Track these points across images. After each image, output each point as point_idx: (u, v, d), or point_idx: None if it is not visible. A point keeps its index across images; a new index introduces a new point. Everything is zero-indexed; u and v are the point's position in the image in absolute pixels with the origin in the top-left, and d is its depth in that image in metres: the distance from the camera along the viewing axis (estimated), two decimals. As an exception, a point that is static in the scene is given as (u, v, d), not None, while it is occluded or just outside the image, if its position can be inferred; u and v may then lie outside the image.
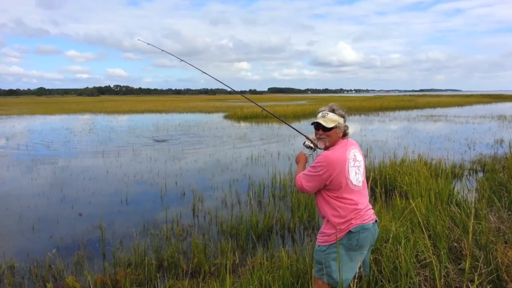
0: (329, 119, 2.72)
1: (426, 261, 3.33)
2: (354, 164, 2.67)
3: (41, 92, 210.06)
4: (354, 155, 2.70)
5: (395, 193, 5.50)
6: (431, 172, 6.76)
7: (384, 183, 6.88)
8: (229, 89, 4.37)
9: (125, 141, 16.00)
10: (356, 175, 2.67)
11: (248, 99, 3.99)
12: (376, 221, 2.77)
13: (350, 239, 2.60)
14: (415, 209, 4.14)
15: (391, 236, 3.61)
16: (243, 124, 23.80)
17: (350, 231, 2.59)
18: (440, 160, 8.48)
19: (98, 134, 18.68)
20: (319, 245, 2.71)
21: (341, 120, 2.74)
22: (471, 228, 3.08)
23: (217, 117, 29.96)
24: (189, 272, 4.27)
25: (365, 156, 3.45)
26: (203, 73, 4.46)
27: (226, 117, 29.82)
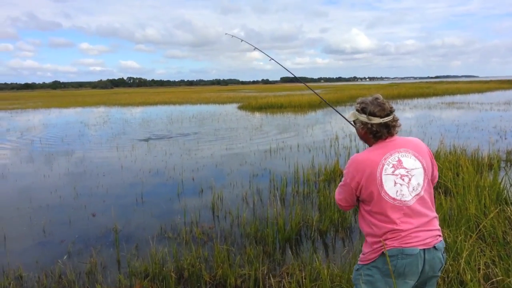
0: (351, 113, 2.25)
1: (497, 278, 2.80)
2: (394, 172, 2.06)
3: (56, 85, 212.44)
4: (399, 161, 2.08)
5: (438, 191, 4.94)
6: (473, 166, 6.16)
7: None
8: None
9: (139, 134, 15.65)
10: (399, 186, 2.05)
11: (309, 87, 3.48)
12: (435, 246, 2.05)
13: (386, 263, 2.02)
14: (468, 211, 3.61)
15: (453, 249, 3.08)
16: (258, 115, 23.26)
17: (383, 253, 2.03)
18: (477, 151, 7.86)
19: (112, 127, 18.40)
20: (357, 263, 2.23)
21: (360, 115, 2.17)
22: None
23: (231, 108, 29.47)
24: (214, 284, 3.82)
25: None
26: (271, 60, 3.97)
27: (240, 107, 29.30)
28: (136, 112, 29.01)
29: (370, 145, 2.21)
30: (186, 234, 5.10)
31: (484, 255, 3.02)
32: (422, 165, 2.10)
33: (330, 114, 22.02)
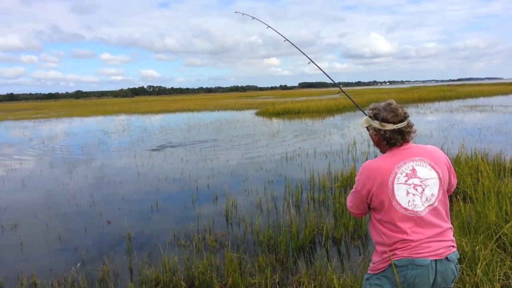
0: (364, 119, 2.18)
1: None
2: (407, 181, 1.98)
3: (78, 95, 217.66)
4: (413, 170, 2.00)
5: (456, 197, 4.77)
6: (494, 171, 5.93)
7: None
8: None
9: (157, 142, 15.81)
10: (412, 196, 1.98)
11: (343, 92, 3.40)
12: (447, 257, 1.97)
13: (396, 273, 1.97)
14: (488, 218, 3.45)
15: (467, 256, 2.95)
16: (275, 121, 23.20)
17: (393, 263, 1.97)
18: (499, 155, 7.60)
19: (131, 135, 18.65)
20: (367, 273, 2.17)
21: (373, 121, 2.10)
22: None
23: (249, 114, 29.51)
24: (223, 293, 3.77)
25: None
26: (310, 62, 3.89)
27: (257, 113, 29.31)
28: (155, 119, 29.37)
29: (383, 152, 2.15)
30: (199, 241, 5.07)
31: (504, 264, 2.87)
32: (438, 175, 2.01)
33: (348, 119, 21.79)
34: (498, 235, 3.19)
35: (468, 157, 7.16)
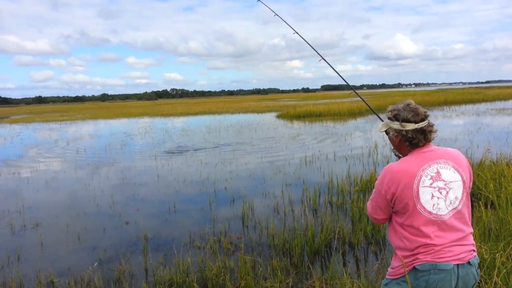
0: (383, 123, 2.15)
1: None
2: (432, 184, 1.94)
3: (104, 98, 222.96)
4: (437, 172, 1.96)
5: (478, 203, 4.61)
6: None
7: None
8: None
9: (177, 144, 15.97)
10: (436, 200, 1.94)
11: (358, 95, 3.38)
12: (469, 262, 1.94)
13: (418, 278, 1.92)
14: (510, 225, 3.31)
15: (486, 263, 2.83)
16: (296, 124, 23.09)
17: (415, 267, 1.93)
18: (526, 160, 7.31)
19: (153, 137, 18.92)
20: (385, 278, 2.12)
21: (393, 122, 2.06)
22: None
23: (269, 117, 29.48)
24: (236, 296, 3.75)
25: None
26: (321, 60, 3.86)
27: (278, 116, 29.26)
28: (177, 122, 29.72)
29: (404, 155, 2.10)
30: (214, 243, 5.07)
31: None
32: (462, 178, 1.98)
33: (371, 122, 21.46)
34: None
35: (493, 162, 6.92)
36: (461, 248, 1.93)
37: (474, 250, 1.98)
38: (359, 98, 3.35)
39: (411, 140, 2.01)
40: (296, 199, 6.95)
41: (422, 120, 2.01)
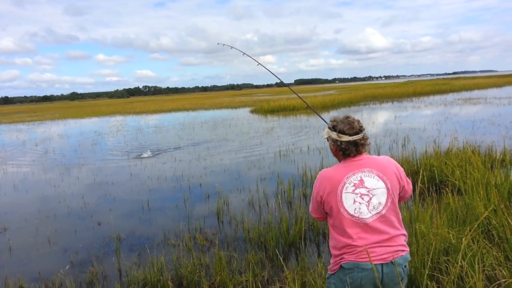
0: (326, 131, 2.32)
1: (501, 281, 2.64)
2: (355, 190, 2.14)
3: (73, 96, 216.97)
4: (361, 180, 2.14)
5: (445, 189, 4.75)
6: (484, 163, 5.92)
7: (429, 177, 6.07)
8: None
9: (150, 141, 15.75)
10: (358, 205, 2.13)
11: (294, 92, 3.49)
12: (392, 261, 2.08)
13: (345, 275, 2.14)
14: (476, 210, 3.43)
15: (453, 248, 2.92)
16: (270, 118, 23.17)
17: (341, 266, 2.15)
18: (490, 147, 7.59)
19: (125, 136, 18.57)
20: (328, 273, 2.34)
21: (332, 132, 2.24)
22: None
23: (244, 112, 29.46)
24: (211, 292, 3.73)
25: (389, 155, 2.42)
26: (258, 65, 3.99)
27: (252, 111, 29.27)
28: (150, 119, 29.27)
29: (339, 161, 2.29)
30: (189, 240, 5.03)
31: (490, 256, 2.85)
32: (386, 185, 2.16)
33: (343, 114, 21.75)
34: (476, 225, 3.16)
35: (459, 150, 7.15)
36: (384, 249, 2.11)
37: (402, 250, 2.16)
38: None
39: (344, 150, 2.20)
40: (271, 193, 6.98)
41: (356, 133, 2.18)
